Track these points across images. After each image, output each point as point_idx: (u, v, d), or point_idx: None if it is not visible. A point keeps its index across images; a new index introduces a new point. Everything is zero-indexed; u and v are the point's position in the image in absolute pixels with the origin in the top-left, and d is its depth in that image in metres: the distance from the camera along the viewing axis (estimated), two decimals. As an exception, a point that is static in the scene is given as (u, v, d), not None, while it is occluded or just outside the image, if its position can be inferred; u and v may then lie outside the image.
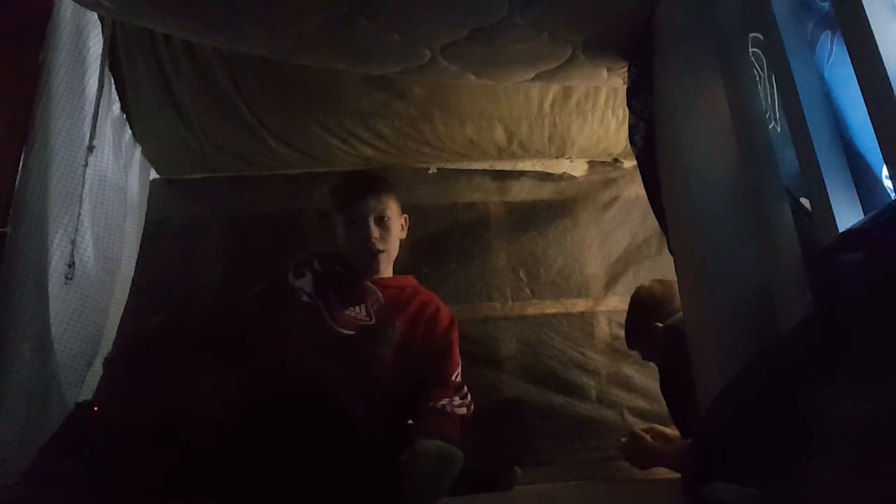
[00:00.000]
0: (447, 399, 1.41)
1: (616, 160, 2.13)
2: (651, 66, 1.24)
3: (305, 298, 1.50)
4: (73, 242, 1.50)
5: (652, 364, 1.83)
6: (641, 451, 1.47)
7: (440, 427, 1.33)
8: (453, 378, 1.49)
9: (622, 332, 1.91)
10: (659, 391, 1.80)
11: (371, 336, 1.46)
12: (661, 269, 1.88)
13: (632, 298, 1.68)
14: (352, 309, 1.49)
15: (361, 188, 1.58)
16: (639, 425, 1.73)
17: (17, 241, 1.35)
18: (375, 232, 1.52)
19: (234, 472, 1.08)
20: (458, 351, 1.54)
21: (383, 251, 1.53)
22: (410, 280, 1.64)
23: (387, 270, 1.59)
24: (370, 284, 1.54)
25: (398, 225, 1.60)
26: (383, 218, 1.54)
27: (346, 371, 1.36)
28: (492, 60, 1.40)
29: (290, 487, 1.08)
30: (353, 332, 1.46)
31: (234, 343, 1.36)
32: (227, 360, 1.30)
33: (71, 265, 1.49)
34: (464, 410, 1.43)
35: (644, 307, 1.60)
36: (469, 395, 1.47)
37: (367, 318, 1.49)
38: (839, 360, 0.67)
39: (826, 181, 0.76)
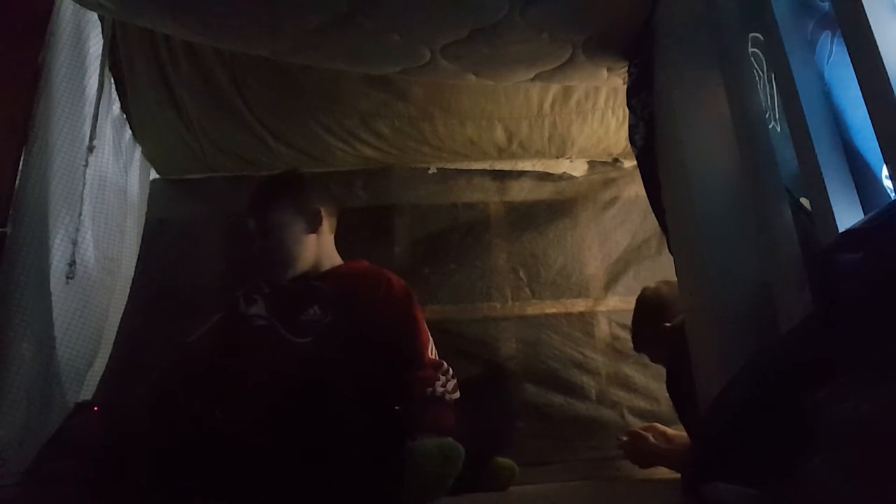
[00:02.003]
0: (436, 383, 1.37)
1: (616, 160, 2.13)
2: (651, 66, 1.24)
3: (260, 322, 1.48)
4: (75, 242, 1.51)
5: (652, 364, 1.83)
6: (642, 451, 1.47)
7: (438, 418, 1.31)
8: (429, 354, 1.45)
9: (622, 332, 1.91)
10: (659, 391, 1.81)
11: (329, 333, 1.43)
12: (661, 269, 1.88)
13: (637, 301, 1.65)
14: (305, 313, 1.46)
15: (251, 201, 1.61)
16: (638, 425, 1.73)
17: (18, 241, 1.35)
18: (259, 243, 1.54)
19: (233, 473, 1.08)
20: (424, 325, 1.50)
21: (275, 259, 1.53)
22: (361, 264, 1.60)
23: (329, 262, 1.57)
24: (316, 283, 1.52)
25: (292, 232, 1.56)
26: (266, 230, 1.54)
27: (317, 377, 1.32)
28: (492, 60, 1.40)
29: (289, 489, 1.08)
30: (310, 339, 1.42)
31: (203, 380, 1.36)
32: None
33: (72, 265, 1.49)
34: (456, 394, 1.40)
35: (651, 309, 1.57)
36: (451, 371, 1.43)
37: (323, 316, 1.46)
38: (839, 360, 0.67)
39: (826, 181, 0.76)
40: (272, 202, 1.58)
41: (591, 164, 2.13)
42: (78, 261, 1.53)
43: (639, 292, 1.68)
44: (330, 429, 1.15)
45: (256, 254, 1.56)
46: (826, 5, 0.87)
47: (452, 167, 2.10)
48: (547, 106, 1.88)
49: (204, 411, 1.24)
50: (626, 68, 1.38)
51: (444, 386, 1.38)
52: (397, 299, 1.51)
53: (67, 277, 1.47)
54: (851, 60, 0.73)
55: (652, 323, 1.54)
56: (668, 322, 1.45)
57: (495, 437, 1.43)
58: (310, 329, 1.43)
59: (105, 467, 1.14)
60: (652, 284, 1.65)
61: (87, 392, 1.57)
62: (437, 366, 1.42)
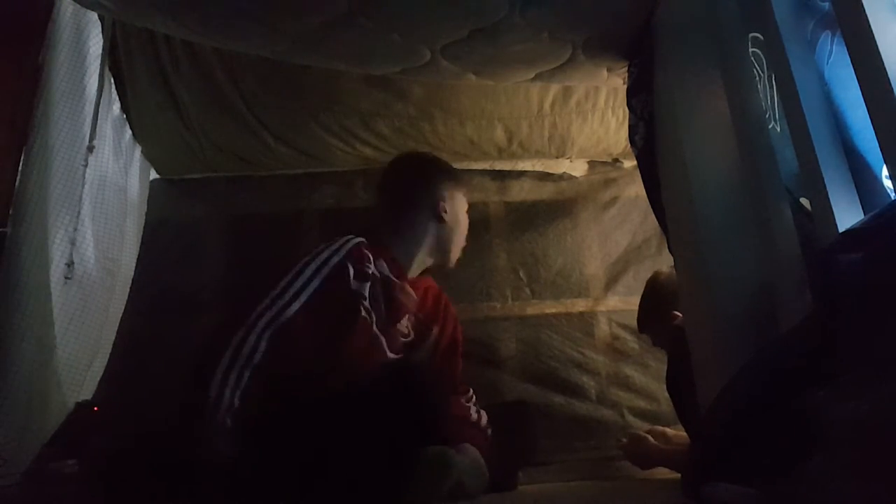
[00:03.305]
0: (471, 409, 1.39)
1: (616, 160, 2.13)
2: (651, 66, 1.24)
3: (363, 314, 1.23)
4: (73, 242, 1.50)
5: (652, 364, 1.83)
6: (642, 452, 1.47)
7: (472, 440, 1.31)
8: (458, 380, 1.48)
9: (622, 332, 1.91)
10: (659, 391, 1.80)
11: (410, 354, 1.34)
12: (661, 267, 1.88)
13: (649, 281, 1.64)
14: (399, 322, 1.33)
15: None
16: (639, 425, 1.73)
17: (18, 241, 1.35)
18: None
19: (234, 473, 1.08)
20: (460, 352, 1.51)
21: None
22: (428, 279, 1.51)
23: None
24: (409, 289, 1.37)
25: None
26: None
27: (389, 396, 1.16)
28: (492, 60, 1.40)
29: (290, 489, 1.08)
30: (398, 356, 1.29)
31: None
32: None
33: (70, 265, 1.49)
34: (487, 425, 1.39)
35: (663, 292, 1.55)
36: (475, 397, 1.45)
37: (408, 334, 1.36)
38: (839, 360, 0.67)
39: (826, 181, 0.76)
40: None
41: (591, 164, 2.13)
42: (77, 261, 1.53)
43: (639, 292, 1.68)
44: (352, 440, 1.04)
45: (448, 219, 1.44)
46: (826, 5, 0.87)
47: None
48: (547, 106, 1.88)
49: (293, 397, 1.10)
50: (626, 68, 1.38)
51: (478, 413, 1.38)
52: (455, 326, 1.50)
53: (66, 277, 1.46)
54: (851, 60, 0.73)
55: (661, 306, 1.52)
56: (677, 311, 1.43)
57: (522, 458, 1.42)
58: (399, 346, 1.31)
59: (105, 467, 1.14)
60: (666, 269, 1.62)
61: (87, 392, 1.57)
62: (464, 392, 1.43)
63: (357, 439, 1.02)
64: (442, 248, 1.45)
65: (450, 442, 1.25)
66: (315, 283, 1.18)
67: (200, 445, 1.06)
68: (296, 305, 1.15)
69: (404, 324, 1.33)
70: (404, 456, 1.03)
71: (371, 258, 1.27)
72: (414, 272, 1.43)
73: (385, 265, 1.31)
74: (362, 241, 1.28)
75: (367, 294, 1.23)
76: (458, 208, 1.48)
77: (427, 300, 1.44)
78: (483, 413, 1.41)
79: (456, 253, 1.48)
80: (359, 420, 1.02)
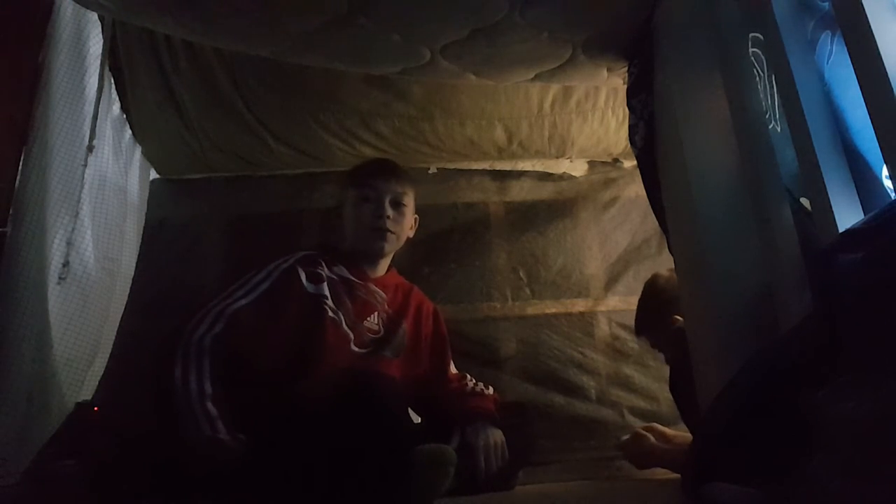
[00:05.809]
0: (468, 383, 1.45)
1: (616, 160, 2.13)
2: (651, 66, 1.24)
3: (331, 314, 1.32)
4: (70, 243, 1.50)
5: (652, 364, 1.83)
6: (642, 451, 1.46)
7: (480, 407, 1.35)
8: (452, 370, 1.51)
9: (622, 332, 1.91)
10: (659, 391, 1.80)
11: (380, 349, 1.39)
12: (660, 269, 1.88)
13: (647, 284, 1.63)
14: (367, 319, 1.39)
15: (383, 169, 1.52)
16: (639, 425, 1.73)
17: (17, 241, 1.35)
18: (389, 212, 1.44)
19: (233, 472, 1.08)
20: (449, 343, 1.55)
21: (393, 233, 1.45)
22: (396, 276, 1.56)
23: (387, 259, 1.52)
24: (375, 287, 1.46)
25: (411, 218, 1.53)
26: (400, 203, 1.47)
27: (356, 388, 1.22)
28: (492, 60, 1.40)
29: (290, 488, 1.08)
30: (366, 350, 1.36)
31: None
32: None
33: (66, 265, 1.49)
34: (490, 390, 1.45)
35: (661, 296, 1.55)
36: (475, 380, 1.50)
37: (378, 330, 1.41)
38: (839, 360, 0.67)
39: (826, 181, 0.76)
40: (405, 179, 1.51)
41: (591, 164, 2.13)
42: (77, 261, 1.53)
43: (639, 292, 1.67)
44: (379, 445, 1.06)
45: (347, 221, 1.46)
46: (826, 5, 0.87)
47: (452, 167, 2.10)
48: (547, 106, 1.88)
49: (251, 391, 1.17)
50: (626, 68, 1.38)
51: (475, 384, 1.46)
52: (436, 321, 1.54)
53: (60, 278, 1.46)
54: (851, 60, 0.73)
55: (659, 310, 1.51)
56: (677, 314, 1.43)
57: (520, 458, 1.42)
58: (367, 340, 1.37)
59: (105, 467, 1.14)
60: (665, 273, 1.61)
61: (87, 392, 1.57)
62: (461, 377, 1.49)
63: (330, 452, 1.03)
64: (349, 241, 1.49)
65: (461, 421, 1.29)
66: (265, 286, 1.30)
67: (187, 435, 1.07)
68: (244, 301, 1.26)
69: (373, 320, 1.41)
70: (374, 465, 1.03)
71: (325, 264, 1.39)
72: (378, 268, 1.49)
73: (345, 269, 1.43)
74: (313, 252, 1.41)
75: (327, 294, 1.33)
76: (347, 203, 1.51)
77: (396, 297, 1.50)
78: (483, 385, 1.46)
79: (360, 239, 1.47)
80: (326, 434, 1.05)
